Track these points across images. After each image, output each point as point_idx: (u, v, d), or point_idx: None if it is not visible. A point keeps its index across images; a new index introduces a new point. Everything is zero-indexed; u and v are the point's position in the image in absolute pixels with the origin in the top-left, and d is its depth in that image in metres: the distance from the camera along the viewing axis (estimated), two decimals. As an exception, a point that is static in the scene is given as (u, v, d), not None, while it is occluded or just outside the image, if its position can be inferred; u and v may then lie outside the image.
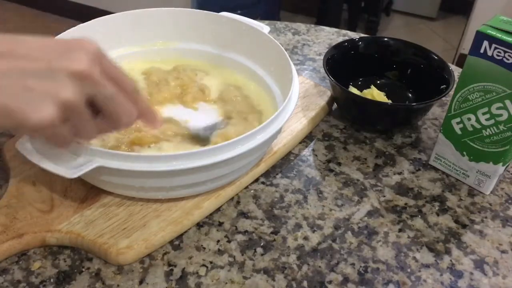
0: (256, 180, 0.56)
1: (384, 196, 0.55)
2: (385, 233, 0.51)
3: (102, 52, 0.38)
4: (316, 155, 0.60)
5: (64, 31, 0.58)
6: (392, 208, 0.53)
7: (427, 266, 0.47)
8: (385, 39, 0.71)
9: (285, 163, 0.59)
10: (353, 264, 0.47)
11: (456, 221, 0.52)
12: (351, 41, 0.71)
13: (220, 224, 0.51)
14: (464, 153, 0.55)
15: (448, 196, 0.55)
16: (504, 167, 0.54)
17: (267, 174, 0.57)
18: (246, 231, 0.50)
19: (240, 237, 0.49)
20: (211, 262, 0.47)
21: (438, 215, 0.53)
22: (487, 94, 0.50)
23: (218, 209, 0.52)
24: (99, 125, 0.40)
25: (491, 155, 0.52)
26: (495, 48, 0.47)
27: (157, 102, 0.59)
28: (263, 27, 0.63)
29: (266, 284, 0.45)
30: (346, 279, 0.46)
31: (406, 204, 0.54)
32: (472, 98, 0.51)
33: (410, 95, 0.69)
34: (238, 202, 0.53)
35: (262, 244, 0.49)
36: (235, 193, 0.54)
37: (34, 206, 0.49)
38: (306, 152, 0.61)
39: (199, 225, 0.50)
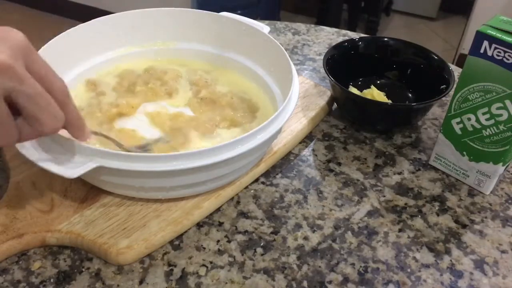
0: (256, 180, 0.56)
1: (384, 196, 0.55)
2: (385, 233, 0.51)
3: (30, 46, 0.34)
4: (316, 155, 0.60)
5: (64, 31, 0.58)
6: (392, 208, 0.53)
7: (427, 266, 0.47)
8: (385, 39, 0.71)
9: (285, 163, 0.59)
10: (353, 264, 0.47)
11: (456, 221, 0.52)
12: (351, 41, 0.71)
13: (220, 224, 0.51)
14: (464, 153, 0.55)
15: (448, 196, 0.55)
16: (504, 167, 0.54)
17: (267, 174, 0.57)
18: (246, 231, 0.50)
19: (240, 237, 0.49)
20: (211, 262, 0.46)
21: (438, 215, 0.53)
22: (487, 94, 0.50)
23: (218, 209, 0.52)
24: (22, 129, 0.36)
25: (491, 155, 0.52)
26: (495, 48, 0.47)
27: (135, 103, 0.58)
28: (263, 27, 0.63)
29: (266, 284, 0.45)
30: (346, 279, 0.46)
31: (406, 204, 0.54)
32: (472, 98, 0.51)
33: (410, 95, 0.69)
34: (238, 202, 0.53)
35: (262, 244, 0.49)
36: (235, 193, 0.54)
37: (34, 206, 0.49)
38: (306, 152, 0.61)
39: (199, 225, 0.50)
